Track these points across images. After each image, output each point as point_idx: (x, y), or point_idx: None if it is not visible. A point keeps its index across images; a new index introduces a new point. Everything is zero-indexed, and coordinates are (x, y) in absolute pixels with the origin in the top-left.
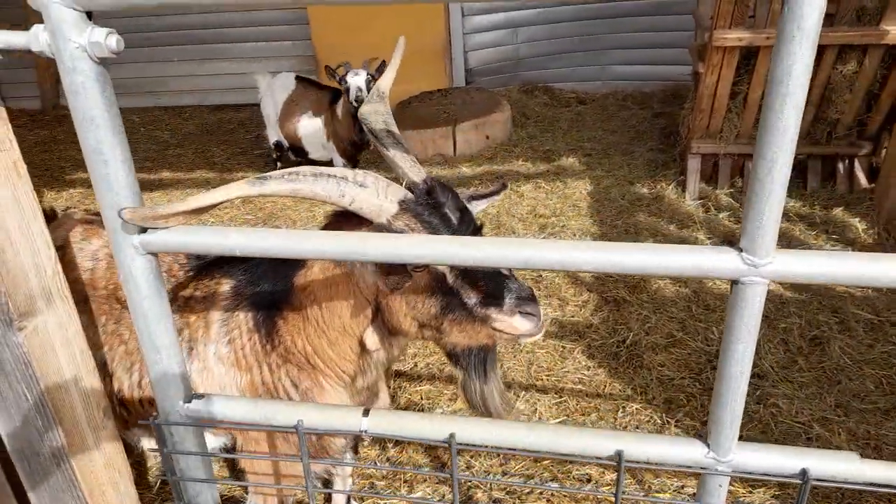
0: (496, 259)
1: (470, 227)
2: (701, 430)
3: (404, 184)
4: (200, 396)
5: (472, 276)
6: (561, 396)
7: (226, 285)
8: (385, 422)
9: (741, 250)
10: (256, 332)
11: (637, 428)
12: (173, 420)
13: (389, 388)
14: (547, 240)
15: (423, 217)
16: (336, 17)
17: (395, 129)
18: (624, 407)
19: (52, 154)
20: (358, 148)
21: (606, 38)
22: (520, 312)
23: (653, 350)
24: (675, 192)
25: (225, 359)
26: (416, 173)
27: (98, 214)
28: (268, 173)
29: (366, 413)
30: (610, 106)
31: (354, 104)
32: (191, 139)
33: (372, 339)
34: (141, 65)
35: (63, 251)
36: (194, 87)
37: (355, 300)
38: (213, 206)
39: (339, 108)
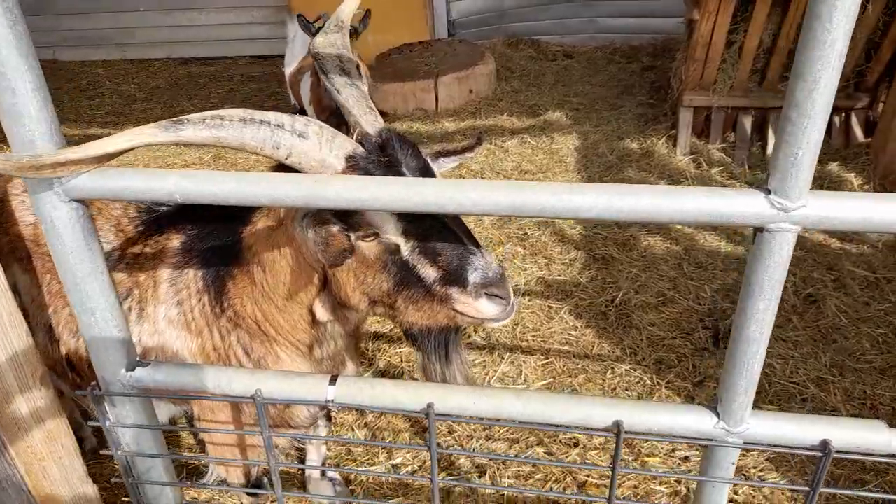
0: (473, 206)
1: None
2: (693, 391)
3: (355, 135)
4: (145, 364)
5: (432, 249)
6: (547, 358)
7: (175, 241)
8: (354, 390)
9: (769, 192)
10: (206, 292)
11: (627, 390)
12: (114, 390)
13: (367, 350)
14: (538, 182)
15: (374, 175)
16: None
17: (350, 66)
18: (613, 368)
19: None
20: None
21: None
22: (486, 294)
23: (643, 309)
24: (665, 146)
25: (175, 321)
26: (371, 122)
27: None
28: (187, 116)
29: (332, 381)
30: (598, 60)
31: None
32: (159, 93)
33: (321, 310)
34: (106, 15)
35: (2, 204)
36: (162, 38)
37: (299, 266)
38: (116, 155)
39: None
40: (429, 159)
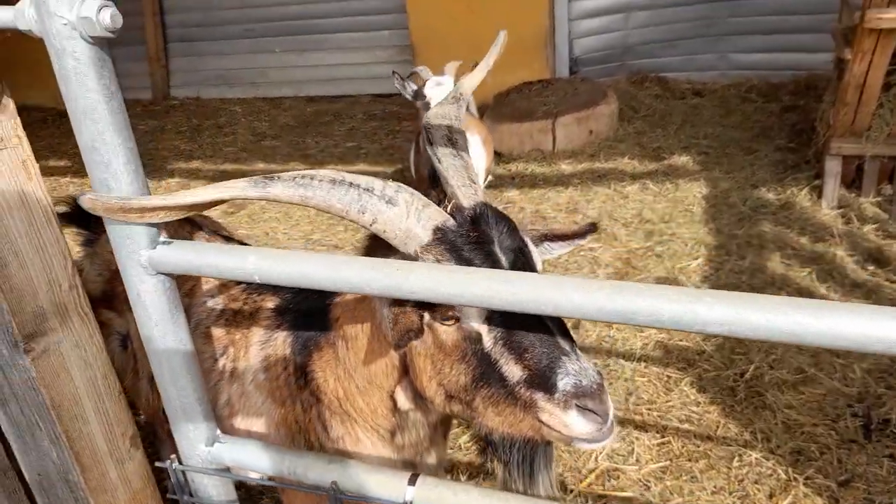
0: (573, 309)
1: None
2: (838, 491)
3: (449, 207)
4: (224, 440)
5: (519, 343)
6: (664, 436)
7: (270, 302)
8: (435, 494)
9: None
10: (292, 361)
11: (756, 483)
12: (193, 465)
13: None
14: (654, 285)
15: (460, 253)
16: (434, 3)
17: (458, 136)
18: (741, 455)
19: (158, 144)
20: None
21: (727, 22)
22: (577, 406)
23: (778, 387)
24: (808, 198)
25: (262, 387)
26: (469, 195)
27: None
28: (278, 174)
29: (412, 480)
30: (731, 98)
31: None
32: (287, 130)
33: (403, 398)
34: (243, 56)
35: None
36: (293, 77)
37: (379, 345)
38: (205, 206)
39: (422, 139)
40: (529, 241)
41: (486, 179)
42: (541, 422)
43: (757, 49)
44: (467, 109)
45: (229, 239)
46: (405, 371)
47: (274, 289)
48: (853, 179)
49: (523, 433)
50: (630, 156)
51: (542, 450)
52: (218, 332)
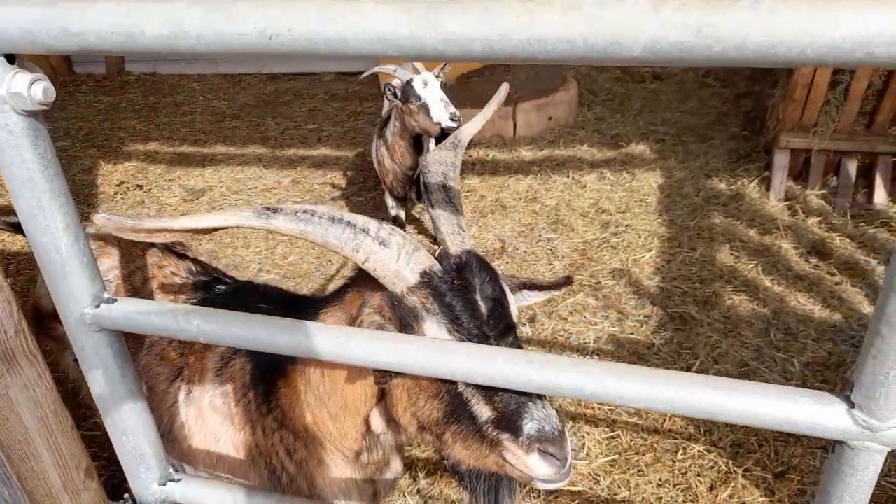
0: (504, 381)
1: (500, 325)
2: (773, 483)
3: (437, 252)
4: (177, 479)
5: (491, 386)
6: (613, 430)
7: None
8: None
9: (852, 405)
10: (252, 388)
11: (699, 476)
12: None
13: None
14: (561, 358)
15: (443, 299)
16: None
17: (454, 184)
18: (685, 448)
19: (113, 123)
20: (409, 184)
21: None
22: (539, 450)
23: None
24: (757, 189)
25: (220, 411)
26: (456, 242)
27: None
28: (279, 205)
29: None
30: (689, 82)
31: (451, 124)
32: (247, 110)
33: (378, 421)
34: None
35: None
36: None
37: (359, 374)
38: (208, 231)
39: (389, 132)
40: (507, 289)
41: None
42: (504, 460)
43: None
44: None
45: (183, 257)
46: (381, 397)
47: (233, 302)
48: (800, 172)
49: (488, 467)
50: (589, 143)
51: (506, 484)
52: (172, 353)
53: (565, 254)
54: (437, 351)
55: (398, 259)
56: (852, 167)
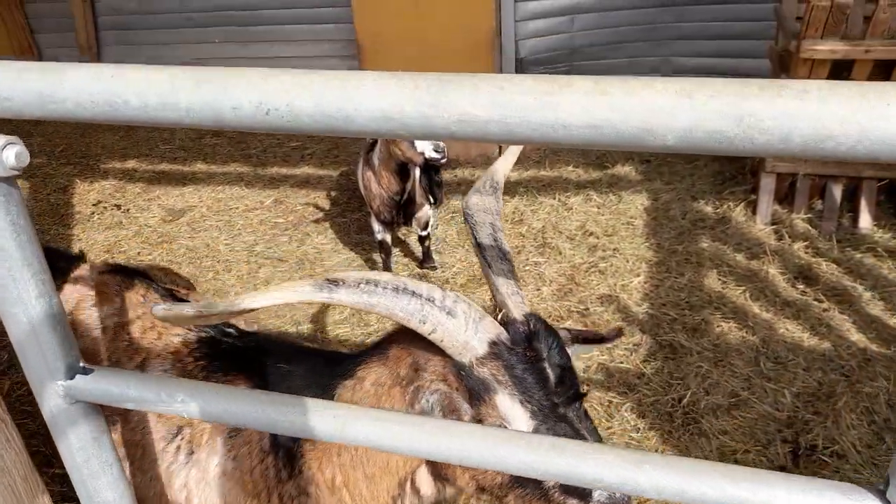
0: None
1: (568, 392)
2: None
3: (499, 317)
4: None
5: None
6: None
7: (241, 381)
8: None
9: (883, 494)
10: (272, 453)
11: None
12: None
13: None
14: (569, 441)
15: (514, 371)
16: (380, 1)
17: (501, 236)
18: None
19: (90, 139)
20: (396, 210)
21: (671, 27)
22: None
23: (713, 413)
24: (743, 213)
25: (230, 475)
26: (517, 304)
27: (117, 269)
28: (341, 275)
29: None
30: None
31: (435, 157)
32: None
33: (427, 482)
34: (182, 46)
35: (72, 315)
36: None
37: None
38: (271, 308)
39: (376, 157)
40: (571, 353)
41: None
42: None
43: (700, 53)
44: None
45: (171, 294)
46: None
47: (242, 366)
48: (786, 195)
49: None
50: (574, 164)
51: None
52: None
53: (553, 278)
54: (450, 435)
55: (466, 329)
56: (838, 191)
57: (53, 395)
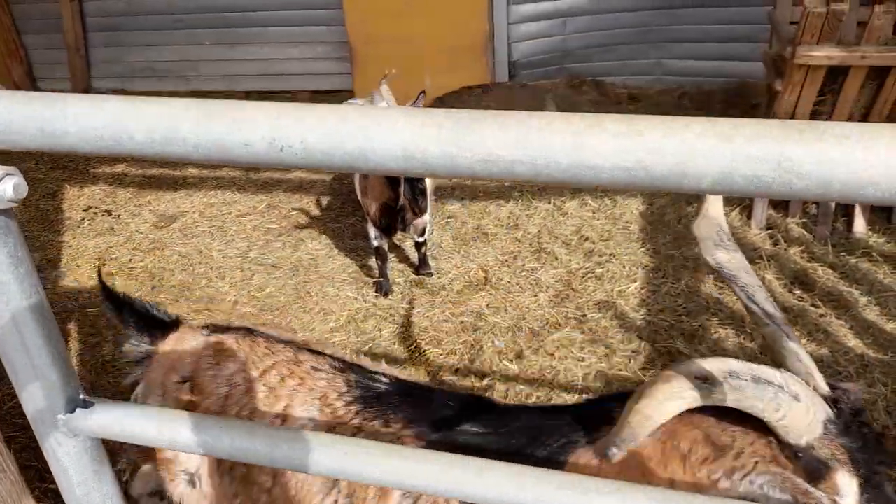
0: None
1: (887, 460)
2: None
3: (816, 391)
4: None
5: None
6: None
7: (408, 437)
8: None
9: None
10: None
11: None
12: None
13: None
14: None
15: (852, 449)
16: (372, 2)
17: (767, 295)
18: None
19: None
20: (393, 216)
21: (664, 30)
22: None
23: None
24: (738, 217)
25: None
26: (820, 379)
27: (219, 329)
28: (704, 366)
29: None
30: (664, 105)
31: None
32: None
33: None
34: (172, 48)
35: (192, 380)
36: (225, 71)
37: None
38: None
39: None
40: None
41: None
42: None
43: (692, 56)
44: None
45: (292, 342)
46: None
47: (409, 414)
48: (780, 199)
49: None
50: None
51: None
52: None
53: (549, 284)
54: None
55: (808, 411)
56: None
57: (53, 429)
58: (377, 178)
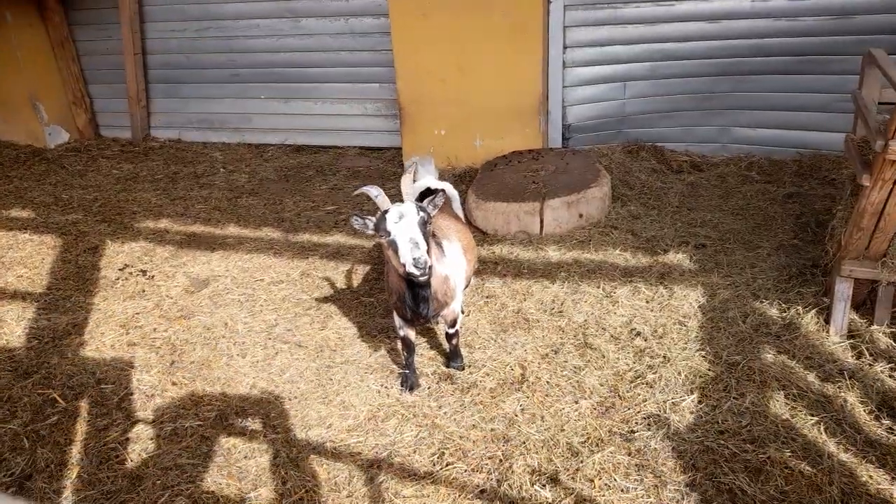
0: None
1: None
2: None
3: None
4: None
5: None
6: None
7: None
8: None
9: None
10: None
11: None
12: None
13: None
14: None
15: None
16: (423, 62)
17: None
18: None
19: (129, 195)
20: (416, 314)
21: (729, 96)
22: None
23: None
24: (815, 320)
25: None
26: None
27: None
28: None
29: None
30: (730, 176)
31: (414, 272)
32: (266, 185)
33: None
34: (228, 101)
35: None
36: (278, 125)
37: None
38: None
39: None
40: None
41: (466, 286)
42: None
43: (760, 124)
44: (450, 206)
45: None
46: None
47: None
48: (864, 301)
49: None
50: (622, 246)
51: None
52: None
53: (594, 388)
54: None
55: None
56: None
57: None
58: (392, 271)
